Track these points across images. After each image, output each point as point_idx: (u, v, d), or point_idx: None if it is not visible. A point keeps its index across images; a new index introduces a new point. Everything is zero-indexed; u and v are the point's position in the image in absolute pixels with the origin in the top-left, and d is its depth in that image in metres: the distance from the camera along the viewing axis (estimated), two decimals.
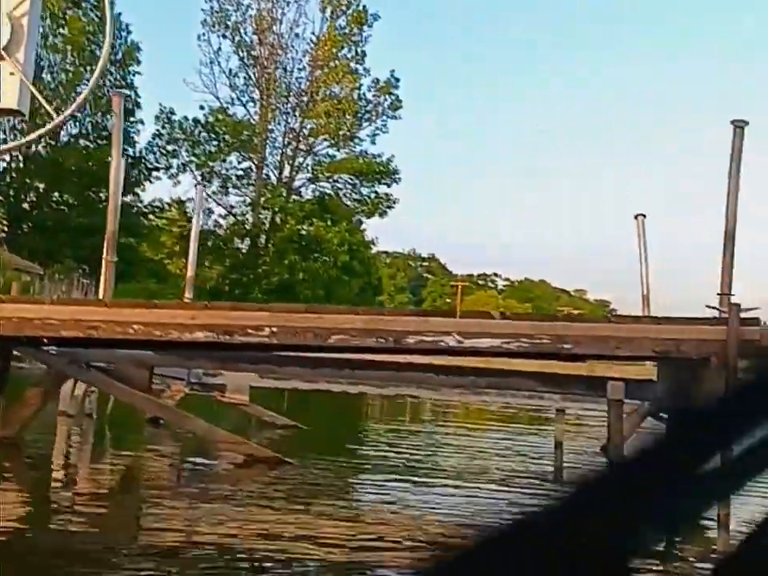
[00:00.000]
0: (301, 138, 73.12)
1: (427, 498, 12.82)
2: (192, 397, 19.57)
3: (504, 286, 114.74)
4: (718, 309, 12.25)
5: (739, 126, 13.17)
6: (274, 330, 10.75)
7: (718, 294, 12.71)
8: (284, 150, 73.24)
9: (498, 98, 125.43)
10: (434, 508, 12.13)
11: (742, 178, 13.01)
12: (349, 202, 72.68)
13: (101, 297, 14.72)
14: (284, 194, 70.58)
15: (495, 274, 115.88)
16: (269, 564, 8.76)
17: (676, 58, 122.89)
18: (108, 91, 64.56)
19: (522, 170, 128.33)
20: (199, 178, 68.37)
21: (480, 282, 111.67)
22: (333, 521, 10.64)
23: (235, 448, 13.91)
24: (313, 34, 71.92)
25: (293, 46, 72.16)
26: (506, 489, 14.11)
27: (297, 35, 71.93)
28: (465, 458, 18.04)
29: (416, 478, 14.27)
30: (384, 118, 72.39)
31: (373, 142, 72.31)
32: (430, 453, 18.54)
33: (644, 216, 19.80)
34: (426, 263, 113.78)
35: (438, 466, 16.40)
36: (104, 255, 14.82)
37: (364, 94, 72.29)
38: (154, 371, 15.35)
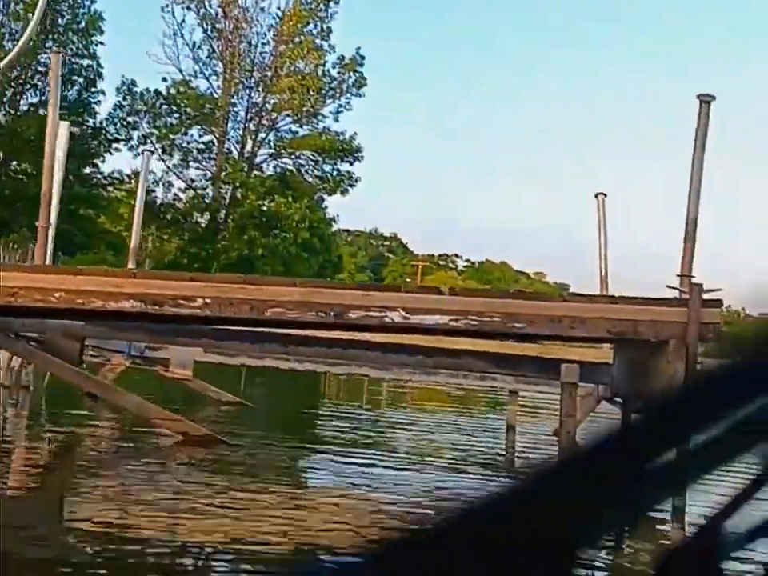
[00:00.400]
0: (264, 113, 72.45)
1: (371, 480, 12.31)
2: (133, 371, 18.90)
3: (464, 266, 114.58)
4: (678, 289, 11.72)
5: (705, 100, 12.67)
6: (208, 301, 10.05)
7: (677, 276, 12.20)
8: (246, 125, 72.55)
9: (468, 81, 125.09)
10: (376, 490, 11.62)
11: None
12: (310, 179, 72.17)
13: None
14: (245, 169, 69.96)
15: (456, 255, 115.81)
16: (196, 551, 8.18)
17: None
18: (69, 60, 63.78)
19: (486, 154, 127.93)
20: (160, 151, 67.68)
21: (441, 263, 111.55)
22: (260, 503, 10.07)
23: (169, 425, 13.28)
24: (278, 8, 71.32)
25: (258, 20, 71.49)
26: (455, 472, 13.68)
27: (262, 9, 71.26)
28: (415, 439, 17.54)
29: (360, 460, 13.73)
30: (348, 95, 71.86)
31: (336, 119, 71.82)
32: (378, 434, 18.00)
33: (605, 195, 19.23)
34: (387, 242, 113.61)
35: (385, 447, 15.87)
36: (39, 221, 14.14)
37: (328, 71, 71.68)
38: (86, 343, 14.62)
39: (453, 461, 14.94)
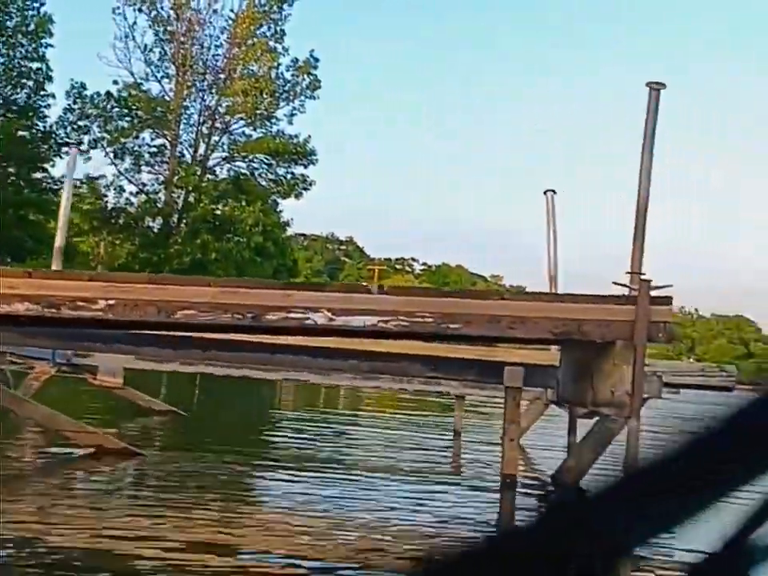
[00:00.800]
0: (217, 116, 71.68)
1: (291, 494, 11.55)
2: (60, 379, 17.94)
3: (421, 270, 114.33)
4: (627, 286, 10.98)
5: (655, 88, 11.96)
6: (111, 303, 9.15)
7: (627, 273, 11.48)
8: (199, 128, 71.63)
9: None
10: (290, 506, 10.86)
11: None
12: (264, 182, 71.38)
13: None
14: (198, 173, 69.05)
15: (413, 259, 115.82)
16: None
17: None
18: (18, 63, 62.70)
19: (446, 155, 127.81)
20: (111, 155, 66.83)
21: (397, 267, 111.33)
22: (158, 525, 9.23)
23: (82, 438, 12.39)
24: (231, 10, 70.43)
25: (210, 22, 70.60)
26: (399, 481, 12.99)
27: (215, 11, 70.41)
28: (354, 448, 16.79)
29: (290, 472, 12.95)
30: (302, 98, 71.19)
31: (290, 122, 71.12)
32: (313, 444, 17.16)
33: (554, 192, 18.53)
34: (343, 246, 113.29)
35: (309, 457, 15.04)
36: None
37: (282, 73, 70.99)
38: (6, 350, 13.73)
39: (397, 468, 14.23)
